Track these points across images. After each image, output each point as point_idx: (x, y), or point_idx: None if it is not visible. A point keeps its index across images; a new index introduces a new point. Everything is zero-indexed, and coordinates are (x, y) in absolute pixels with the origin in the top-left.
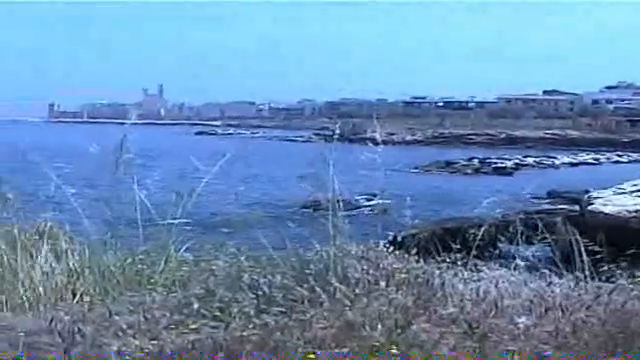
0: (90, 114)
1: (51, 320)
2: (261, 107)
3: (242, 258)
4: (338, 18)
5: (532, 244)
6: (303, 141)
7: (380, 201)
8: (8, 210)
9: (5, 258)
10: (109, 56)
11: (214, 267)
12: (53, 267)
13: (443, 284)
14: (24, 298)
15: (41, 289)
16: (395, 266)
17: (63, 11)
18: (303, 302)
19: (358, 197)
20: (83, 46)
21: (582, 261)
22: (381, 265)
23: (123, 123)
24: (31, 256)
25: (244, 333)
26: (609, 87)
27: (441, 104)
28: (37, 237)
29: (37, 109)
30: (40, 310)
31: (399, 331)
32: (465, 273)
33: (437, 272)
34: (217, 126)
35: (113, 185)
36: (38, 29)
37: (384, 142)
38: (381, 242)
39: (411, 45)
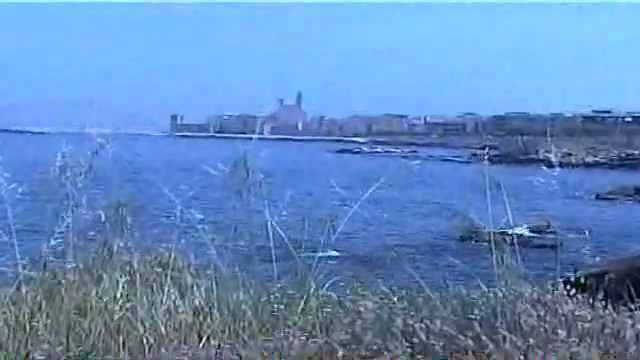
0: (217, 127)
1: None
2: (415, 121)
3: (394, 299)
4: (501, 18)
5: None
6: (463, 161)
7: (555, 233)
8: (126, 238)
9: (123, 293)
10: (239, 62)
11: (362, 308)
12: (177, 304)
13: (638, 337)
14: (144, 339)
15: (163, 329)
16: (577, 313)
17: (178, 12)
18: (466, 353)
19: (529, 228)
20: (208, 52)
21: None
22: (560, 311)
23: (254, 138)
24: (152, 291)
25: None
26: None
27: (629, 119)
28: (159, 269)
29: (159, 122)
30: (162, 353)
31: None
32: None
33: (630, 322)
34: (363, 143)
35: (241, 209)
36: (155, 32)
37: (560, 164)
38: (558, 283)
39: (599, 47)
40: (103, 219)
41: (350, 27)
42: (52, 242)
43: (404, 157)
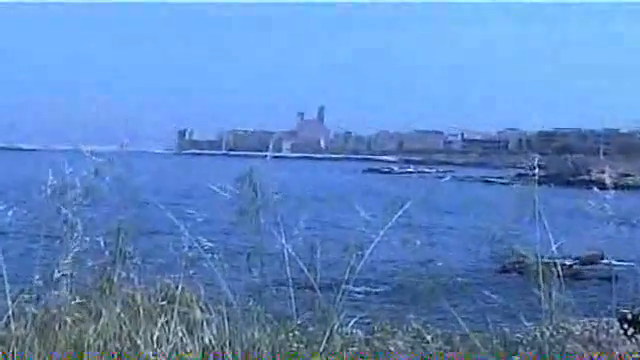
0: (230, 144)
1: None
2: (451, 138)
3: (428, 337)
4: (544, 24)
5: None
6: (504, 183)
7: (609, 264)
8: (128, 268)
9: (124, 329)
10: (254, 71)
11: (392, 348)
12: (184, 342)
13: None
14: None
15: None
16: (636, 356)
17: (188, 12)
18: None
19: (579, 258)
20: (218, 58)
21: None
22: (616, 352)
23: (272, 156)
24: (157, 328)
25: None
26: None
27: None
28: (164, 303)
29: (165, 138)
30: None
31: None
32: None
33: None
34: (393, 162)
35: (254, 236)
36: (156, 38)
37: (614, 186)
38: (614, 320)
39: None
40: (102, 246)
41: (375, 34)
42: (45, 272)
43: (439, 178)
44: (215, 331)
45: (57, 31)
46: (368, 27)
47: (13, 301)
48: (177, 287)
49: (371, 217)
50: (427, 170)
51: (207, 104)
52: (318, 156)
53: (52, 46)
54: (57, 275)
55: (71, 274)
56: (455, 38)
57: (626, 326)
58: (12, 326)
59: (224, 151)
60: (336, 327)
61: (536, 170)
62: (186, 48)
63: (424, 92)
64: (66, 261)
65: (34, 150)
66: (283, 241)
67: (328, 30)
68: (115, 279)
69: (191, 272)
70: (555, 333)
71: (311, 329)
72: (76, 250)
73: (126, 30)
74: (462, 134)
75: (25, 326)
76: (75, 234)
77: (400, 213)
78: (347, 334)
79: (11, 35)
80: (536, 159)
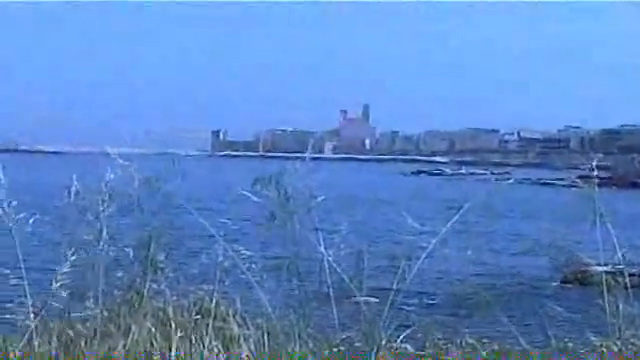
0: (268, 145)
1: None
2: (507, 137)
3: (483, 353)
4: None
5: None
6: (565, 185)
7: None
8: (159, 279)
9: (155, 345)
10: (294, 67)
11: None
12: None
13: None
14: None
15: None
16: None
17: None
18: None
19: None
20: (256, 55)
21: None
22: None
23: (312, 157)
24: (190, 344)
25: None
26: None
27: None
28: (198, 317)
29: (198, 139)
30: None
31: None
32: None
33: None
34: (444, 163)
35: (294, 243)
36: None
37: None
38: None
39: None
40: (131, 256)
41: (422, 24)
42: (70, 284)
43: (494, 180)
44: (253, 347)
45: (77, 28)
46: (414, 20)
47: (36, 315)
48: (212, 300)
49: (421, 222)
50: (481, 172)
51: (242, 102)
52: (363, 157)
53: (68, 43)
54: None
55: (97, 286)
56: (507, 35)
57: None
58: (35, 342)
59: (261, 152)
60: (384, 342)
61: (595, 172)
62: (216, 46)
63: (476, 87)
64: (92, 272)
65: (56, 153)
66: (323, 249)
67: (367, 23)
68: (145, 292)
69: (226, 283)
70: (624, 349)
71: (357, 344)
72: (102, 260)
73: (143, 27)
74: (519, 132)
75: (49, 342)
76: (102, 243)
77: (454, 219)
78: (396, 349)
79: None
80: (595, 160)
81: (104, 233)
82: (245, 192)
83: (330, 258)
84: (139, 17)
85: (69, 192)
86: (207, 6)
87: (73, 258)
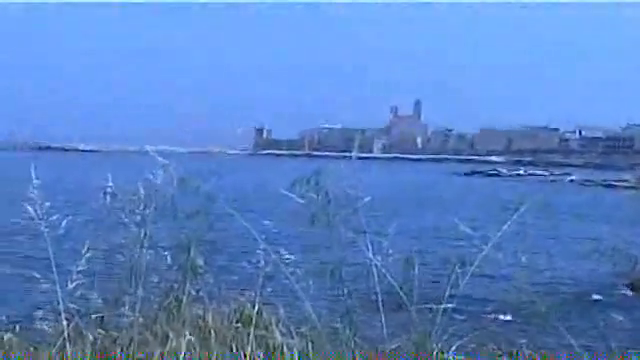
0: (313, 144)
1: None
2: (567, 135)
3: None
4: None
5: None
6: (629, 187)
7: None
8: (198, 285)
9: (194, 354)
10: (341, 63)
11: None
12: None
13: None
14: None
15: None
16: None
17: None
18: None
19: None
20: (306, 52)
21: None
22: None
23: (359, 157)
24: (231, 353)
25: None
26: None
27: None
28: (239, 325)
29: (241, 136)
30: None
31: None
32: None
33: None
34: (500, 163)
35: (339, 248)
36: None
37: None
38: None
39: None
40: (169, 261)
41: (475, 23)
42: (104, 289)
43: (554, 181)
44: (297, 357)
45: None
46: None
47: (69, 322)
48: (253, 307)
49: (475, 226)
50: (540, 172)
51: (289, 102)
52: (414, 157)
53: (104, 42)
54: (117, 293)
55: (134, 292)
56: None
57: None
58: (68, 349)
59: (307, 151)
60: (435, 353)
61: None
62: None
63: (534, 82)
64: (129, 277)
65: (92, 151)
66: (370, 254)
67: (420, 23)
68: (183, 298)
69: (269, 290)
70: None
71: (406, 354)
72: (139, 265)
73: (188, 29)
74: (580, 131)
75: (83, 350)
76: (138, 246)
77: (510, 222)
78: None
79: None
80: None
81: (141, 236)
82: (287, 193)
83: (378, 264)
84: (181, 18)
85: (105, 193)
86: (249, 6)
87: (105, 263)
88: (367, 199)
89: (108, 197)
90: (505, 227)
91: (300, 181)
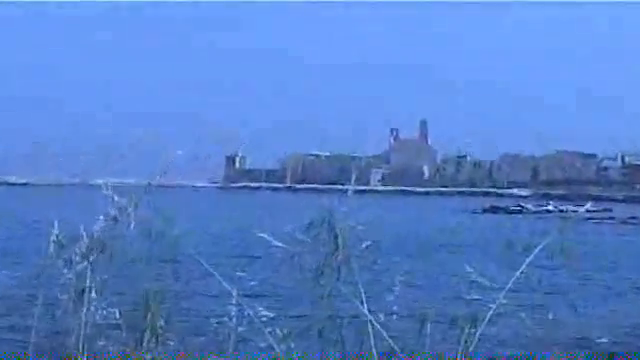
0: (297, 174)
1: None
2: (606, 163)
3: None
4: None
5: None
6: None
7: None
8: (155, 349)
9: None
10: (334, 76)
11: None
12: None
13: None
14: None
15: None
16: None
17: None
18: None
19: None
20: (289, 63)
21: None
22: None
23: (358, 190)
24: None
25: None
26: None
27: None
28: None
29: (207, 167)
30: None
31: None
32: None
33: None
34: (525, 197)
35: (327, 301)
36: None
37: None
38: None
39: None
40: (118, 318)
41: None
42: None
43: (590, 219)
44: None
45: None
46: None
47: None
48: None
49: (493, 275)
50: (573, 208)
51: (263, 120)
52: (420, 189)
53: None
54: None
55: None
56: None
57: None
58: None
59: (289, 184)
60: None
61: None
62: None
63: (562, 98)
64: (73, 338)
65: (26, 184)
66: (365, 310)
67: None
68: None
69: (242, 354)
70: None
71: None
72: (86, 325)
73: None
74: (622, 157)
75: None
76: (85, 302)
77: (522, 267)
78: None
79: None
80: None
81: (86, 291)
82: (265, 236)
83: (379, 320)
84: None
85: (48, 237)
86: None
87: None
88: (366, 244)
89: (53, 245)
90: (516, 274)
91: (322, 226)
